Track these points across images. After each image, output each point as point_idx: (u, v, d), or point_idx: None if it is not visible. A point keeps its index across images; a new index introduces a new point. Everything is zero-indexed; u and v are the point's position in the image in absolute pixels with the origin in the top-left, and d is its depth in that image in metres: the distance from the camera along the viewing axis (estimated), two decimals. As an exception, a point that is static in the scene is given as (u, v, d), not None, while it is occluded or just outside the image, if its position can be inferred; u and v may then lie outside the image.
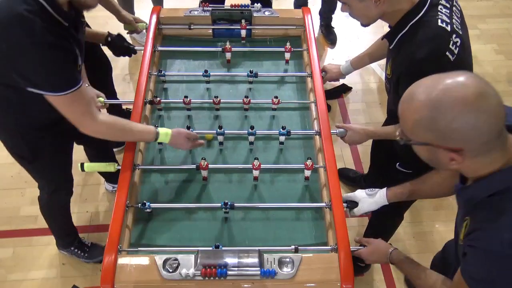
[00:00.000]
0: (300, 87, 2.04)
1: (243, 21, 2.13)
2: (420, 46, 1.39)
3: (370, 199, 1.54)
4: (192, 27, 2.15)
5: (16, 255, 2.32)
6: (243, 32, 2.14)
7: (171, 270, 1.35)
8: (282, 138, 1.77)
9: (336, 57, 3.38)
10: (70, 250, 2.25)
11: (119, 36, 2.08)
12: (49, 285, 2.23)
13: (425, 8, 1.41)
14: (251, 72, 1.95)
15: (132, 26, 2.21)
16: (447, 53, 1.37)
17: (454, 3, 1.50)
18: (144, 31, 2.24)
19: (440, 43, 1.38)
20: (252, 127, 1.74)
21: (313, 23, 2.18)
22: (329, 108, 2.65)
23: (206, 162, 1.62)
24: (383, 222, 2.09)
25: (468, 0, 3.91)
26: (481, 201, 1.03)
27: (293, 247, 1.44)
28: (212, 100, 1.87)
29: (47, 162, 1.77)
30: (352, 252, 1.45)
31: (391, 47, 1.53)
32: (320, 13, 3.38)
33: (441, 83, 0.95)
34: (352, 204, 1.57)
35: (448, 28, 1.39)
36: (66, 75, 1.38)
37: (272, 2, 2.88)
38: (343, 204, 1.55)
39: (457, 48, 1.39)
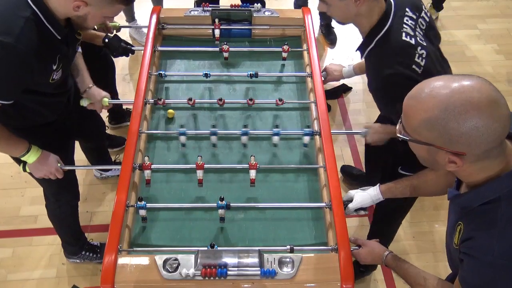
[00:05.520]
0: (300, 87, 2.04)
1: (216, 20, 2.10)
2: (386, 62, 1.42)
3: (363, 192, 1.55)
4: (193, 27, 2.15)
5: (16, 255, 2.32)
6: (217, 32, 2.11)
7: (171, 270, 1.35)
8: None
9: (336, 57, 3.37)
10: (81, 255, 2.24)
11: (116, 37, 2.07)
12: (49, 285, 2.23)
13: (389, 21, 1.45)
14: (251, 74, 1.95)
15: (105, 26, 2.16)
16: (414, 66, 1.40)
17: (423, 14, 1.51)
18: (144, 30, 2.22)
19: (405, 57, 1.41)
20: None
21: (313, 23, 2.18)
22: (329, 108, 2.65)
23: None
24: (381, 229, 2.10)
25: (468, 0, 3.91)
26: (474, 209, 1.03)
27: (288, 247, 1.42)
28: (215, 101, 1.85)
29: None
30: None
31: (362, 58, 1.58)
32: (320, 13, 3.38)
33: (455, 84, 0.92)
34: (348, 202, 1.58)
35: (413, 42, 1.42)
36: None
37: (265, 2, 2.87)
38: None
39: (424, 60, 1.42)
